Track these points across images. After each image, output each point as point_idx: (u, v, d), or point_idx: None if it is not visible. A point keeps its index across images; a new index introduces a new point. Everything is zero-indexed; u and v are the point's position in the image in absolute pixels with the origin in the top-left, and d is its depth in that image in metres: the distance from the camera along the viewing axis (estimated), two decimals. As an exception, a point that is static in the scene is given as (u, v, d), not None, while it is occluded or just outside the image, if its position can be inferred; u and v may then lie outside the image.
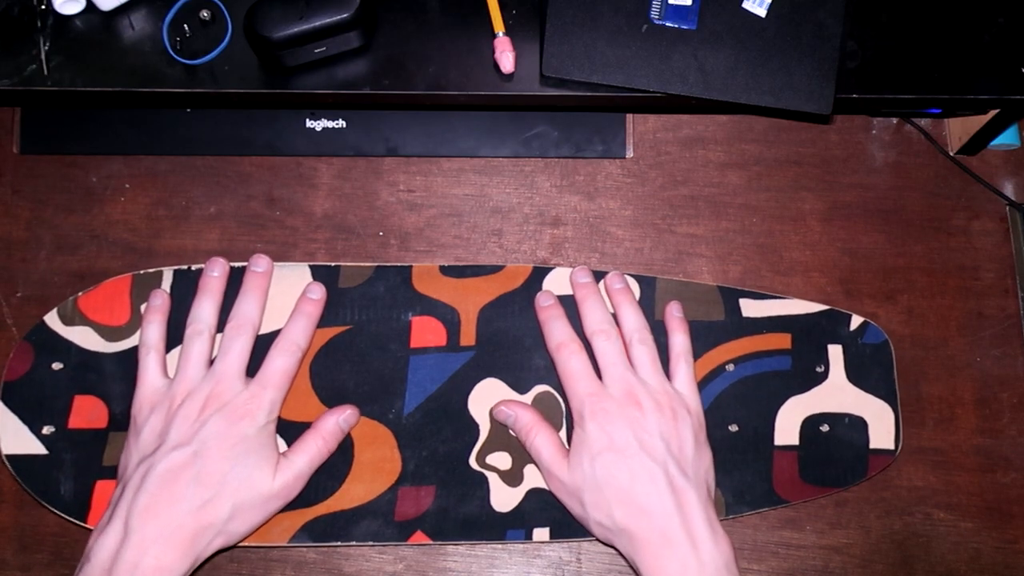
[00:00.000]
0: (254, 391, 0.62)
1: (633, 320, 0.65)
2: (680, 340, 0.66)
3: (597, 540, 0.64)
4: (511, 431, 0.67)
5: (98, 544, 0.58)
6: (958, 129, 0.77)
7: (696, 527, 0.59)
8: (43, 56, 0.62)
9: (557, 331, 0.65)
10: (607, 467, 0.60)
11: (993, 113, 0.70)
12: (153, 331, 0.66)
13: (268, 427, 0.62)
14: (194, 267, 0.70)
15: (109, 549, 0.57)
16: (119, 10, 0.63)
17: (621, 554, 0.62)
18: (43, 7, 0.62)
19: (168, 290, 0.69)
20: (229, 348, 0.64)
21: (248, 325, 0.65)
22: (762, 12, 0.63)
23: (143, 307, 0.68)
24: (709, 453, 0.64)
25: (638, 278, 0.72)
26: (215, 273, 0.67)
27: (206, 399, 0.61)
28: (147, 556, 0.57)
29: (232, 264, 0.71)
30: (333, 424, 0.65)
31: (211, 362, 0.64)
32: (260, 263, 0.67)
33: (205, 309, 0.66)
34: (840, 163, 0.77)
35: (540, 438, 0.64)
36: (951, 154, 0.77)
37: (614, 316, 0.67)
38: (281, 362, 0.64)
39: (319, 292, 0.67)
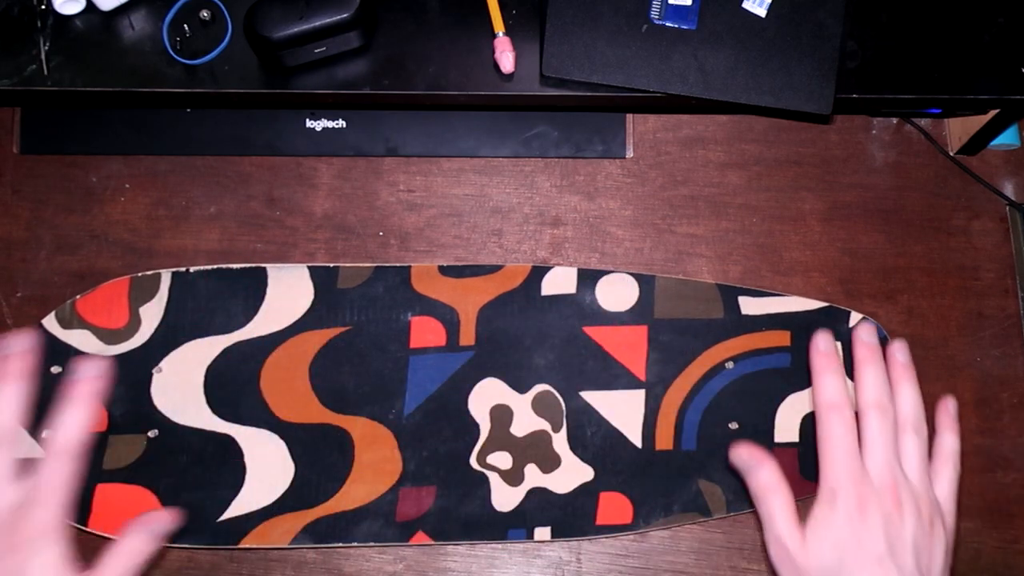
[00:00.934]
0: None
1: (912, 405, 0.59)
2: (950, 441, 0.60)
3: None
4: (746, 477, 0.60)
5: None
6: (958, 129, 0.77)
7: None
8: (43, 56, 0.62)
9: (831, 388, 0.58)
10: (849, 568, 0.55)
11: (993, 113, 0.70)
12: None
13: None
14: (192, 269, 0.70)
15: None
16: (119, 10, 0.63)
17: None
18: (43, 7, 0.62)
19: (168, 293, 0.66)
20: None
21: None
22: (762, 12, 0.63)
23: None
24: None
25: (637, 276, 0.72)
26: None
27: None
28: None
29: (232, 265, 0.71)
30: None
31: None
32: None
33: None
34: (840, 163, 0.77)
35: (778, 503, 0.57)
36: (951, 154, 0.77)
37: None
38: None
39: (94, 369, 0.51)
